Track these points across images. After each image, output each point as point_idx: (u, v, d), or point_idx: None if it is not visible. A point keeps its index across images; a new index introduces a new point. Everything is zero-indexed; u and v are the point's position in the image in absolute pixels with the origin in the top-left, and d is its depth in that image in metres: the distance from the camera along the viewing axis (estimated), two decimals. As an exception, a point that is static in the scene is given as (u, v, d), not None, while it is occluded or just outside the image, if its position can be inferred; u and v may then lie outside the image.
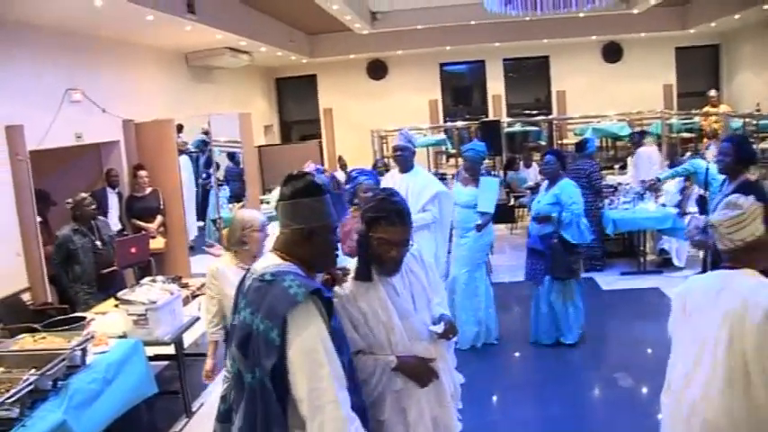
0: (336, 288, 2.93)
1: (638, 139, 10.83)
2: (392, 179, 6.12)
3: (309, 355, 2.26)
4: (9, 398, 3.57)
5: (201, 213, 11.17)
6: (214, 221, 10.54)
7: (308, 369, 2.26)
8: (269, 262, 2.49)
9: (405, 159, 6.14)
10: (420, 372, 2.93)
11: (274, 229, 4.58)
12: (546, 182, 6.76)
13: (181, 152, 9.96)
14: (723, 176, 5.27)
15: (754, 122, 11.03)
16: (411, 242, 2.96)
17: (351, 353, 2.77)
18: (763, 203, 4.76)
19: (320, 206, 2.48)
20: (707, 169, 7.56)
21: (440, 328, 3.02)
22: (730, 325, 2.80)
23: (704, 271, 5.30)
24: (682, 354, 3.04)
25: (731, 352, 2.79)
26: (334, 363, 2.31)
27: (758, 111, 11.50)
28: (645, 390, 5.66)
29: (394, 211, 2.86)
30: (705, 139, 12.41)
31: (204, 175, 11.43)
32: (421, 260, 3.15)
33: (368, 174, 4.95)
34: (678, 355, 3.08)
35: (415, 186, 5.94)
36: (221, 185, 11.32)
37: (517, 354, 6.75)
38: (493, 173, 14.05)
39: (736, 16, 12.77)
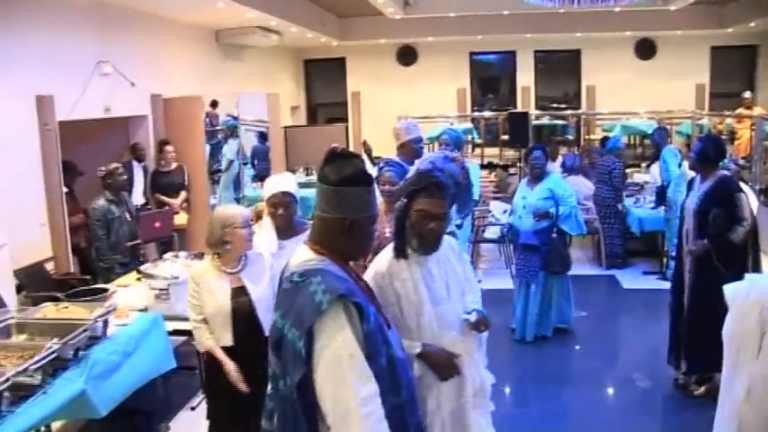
0: (373, 265, 2.91)
1: (659, 136, 9.54)
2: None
3: (333, 364, 2.11)
4: (32, 365, 3.58)
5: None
6: (238, 200, 10.55)
7: (332, 378, 2.12)
8: (301, 257, 2.30)
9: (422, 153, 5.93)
10: (442, 364, 2.89)
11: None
12: (526, 178, 6.71)
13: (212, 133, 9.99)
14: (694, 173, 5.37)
15: (788, 127, 10.87)
16: (451, 220, 2.97)
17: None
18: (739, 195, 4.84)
19: (367, 196, 2.30)
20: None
21: (473, 317, 3.00)
22: None
23: (680, 274, 5.29)
24: None
25: None
26: (362, 370, 2.14)
27: (793, 115, 11.34)
28: (661, 393, 5.59)
29: (433, 184, 2.86)
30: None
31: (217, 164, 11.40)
32: (459, 254, 3.13)
33: (393, 165, 4.81)
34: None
35: None
36: (246, 164, 11.33)
37: (522, 350, 6.61)
38: (518, 164, 14.00)
39: (776, 17, 12.57)
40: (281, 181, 4.30)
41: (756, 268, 4.92)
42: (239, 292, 3.91)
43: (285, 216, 4.16)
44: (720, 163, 5.30)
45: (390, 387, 2.24)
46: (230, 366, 3.83)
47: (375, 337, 2.20)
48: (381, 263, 2.92)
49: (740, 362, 3.08)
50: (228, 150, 11.25)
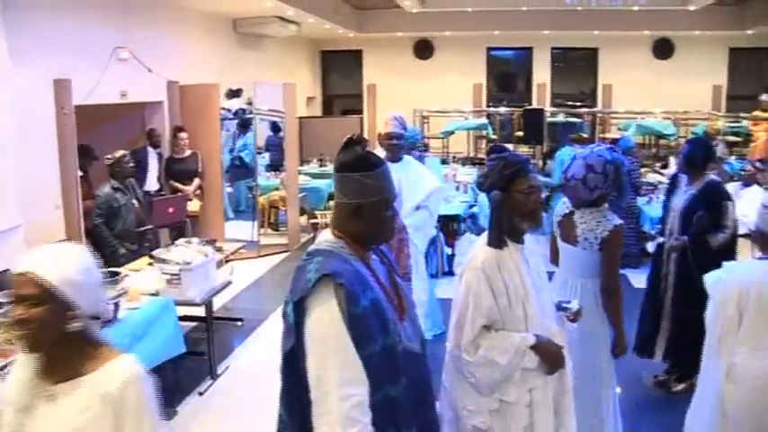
0: (480, 254, 2.91)
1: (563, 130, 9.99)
2: None
3: (318, 342, 2.15)
4: (42, 345, 3.60)
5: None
6: (251, 189, 10.60)
7: (317, 356, 2.14)
8: (321, 238, 2.38)
9: (400, 149, 5.77)
10: (554, 356, 2.90)
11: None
12: None
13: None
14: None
15: (805, 130, 10.81)
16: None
17: (476, 329, 2.81)
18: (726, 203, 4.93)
19: (368, 182, 2.29)
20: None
21: (574, 305, 3.12)
22: None
23: (658, 267, 5.32)
24: (755, 342, 3.07)
25: None
26: (345, 353, 2.14)
27: (810, 118, 11.23)
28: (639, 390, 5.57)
29: (524, 161, 2.96)
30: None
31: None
32: (532, 247, 3.13)
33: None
34: (748, 343, 3.08)
35: (408, 180, 5.64)
36: (260, 153, 11.38)
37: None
38: (533, 161, 13.97)
39: (798, 20, 12.45)
40: (39, 256, 2.06)
41: None
42: None
43: (29, 330, 1.99)
44: (710, 165, 5.28)
45: (387, 377, 2.22)
46: None
47: (366, 321, 2.18)
48: (487, 251, 2.90)
49: (721, 346, 3.14)
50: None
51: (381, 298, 2.28)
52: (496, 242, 2.90)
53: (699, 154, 5.09)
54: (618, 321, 3.73)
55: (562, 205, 3.97)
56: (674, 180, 5.42)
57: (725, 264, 3.37)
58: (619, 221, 3.68)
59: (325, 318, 2.15)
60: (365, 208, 2.30)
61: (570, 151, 8.45)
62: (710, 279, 3.29)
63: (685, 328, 4.90)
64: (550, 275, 3.66)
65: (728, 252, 4.95)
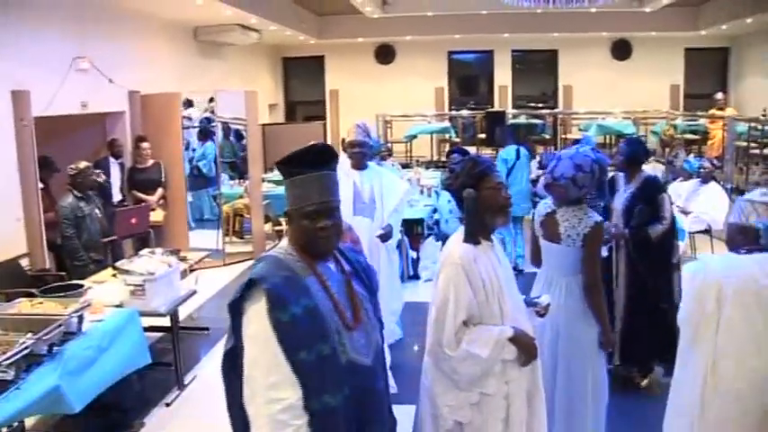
0: (456, 251, 2.95)
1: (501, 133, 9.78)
2: (347, 177, 5.39)
3: (249, 343, 2.19)
4: (5, 360, 3.59)
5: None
6: (215, 197, 10.55)
7: (247, 357, 2.18)
8: (279, 245, 2.43)
9: (364, 156, 5.74)
10: (529, 348, 2.97)
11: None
12: None
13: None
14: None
15: (759, 128, 11.03)
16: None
17: (457, 324, 2.85)
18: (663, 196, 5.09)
19: (291, 189, 2.32)
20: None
21: (545, 300, 3.22)
22: None
23: (610, 260, 5.33)
24: (737, 345, 3.03)
25: None
26: (273, 356, 2.15)
27: (764, 116, 11.44)
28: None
29: (490, 161, 3.10)
30: (666, 147, 12.47)
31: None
32: (498, 245, 3.21)
33: None
34: (729, 346, 3.03)
35: (382, 185, 5.69)
36: (234, 162, 11.37)
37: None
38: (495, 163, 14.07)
39: (749, 20, 12.72)
40: None
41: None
42: None
43: None
44: (643, 163, 5.47)
45: (324, 386, 2.20)
46: None
47: (296, 328, 2.17)
48: (464, 247, 2.95)
49: (699, 340, 3.09)
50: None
51: (323, 307, 2.25)
52: (472, 238, 2.97)
53: (638, 152, 5.31)
54: (602, 315, 3.79)
55: (544, 205, 4.05)
56: (611, 181, 5.52)
57: (699, 256, 3.40)
58: (599, 218, 3.77)
59: (255, 320, 2.20)
60: (290, 216, 2.35)
61: (512, 151, 8.58)
62: (688, 272, 3.24)
63: (637, 323, 5.08)
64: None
65: (668, 243, 5.14)
